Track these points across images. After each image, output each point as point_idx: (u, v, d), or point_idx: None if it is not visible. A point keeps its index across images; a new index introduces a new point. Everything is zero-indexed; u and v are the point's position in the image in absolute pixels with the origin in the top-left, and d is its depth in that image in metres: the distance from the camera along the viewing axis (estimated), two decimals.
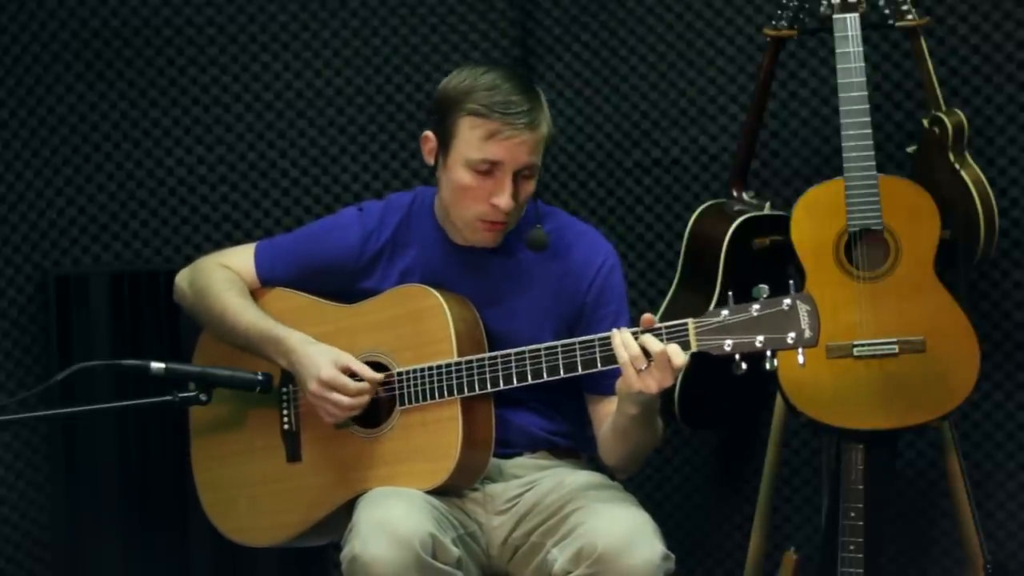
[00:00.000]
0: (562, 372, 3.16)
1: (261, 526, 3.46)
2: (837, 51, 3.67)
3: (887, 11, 3.80)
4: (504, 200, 3.23)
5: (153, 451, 4.18)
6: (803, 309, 3.01)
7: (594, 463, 3.43)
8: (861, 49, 3.66)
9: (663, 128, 4.24)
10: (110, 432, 4.18)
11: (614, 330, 3.09)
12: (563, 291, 3.34)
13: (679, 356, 3.02)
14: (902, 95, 4.14)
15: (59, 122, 4.23)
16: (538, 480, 3.33)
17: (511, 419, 3.32)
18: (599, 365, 3.13)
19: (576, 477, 3.32)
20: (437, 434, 3.24)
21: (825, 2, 3.70)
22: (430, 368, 3.25)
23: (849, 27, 3.66)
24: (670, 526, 3.84)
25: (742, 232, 3.87)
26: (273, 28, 4.26)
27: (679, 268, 4.03)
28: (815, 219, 3.71)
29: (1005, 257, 4.11)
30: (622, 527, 3.13)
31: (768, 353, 3.01)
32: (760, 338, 3.01)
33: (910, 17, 3.80)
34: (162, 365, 3.30)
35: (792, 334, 3.00)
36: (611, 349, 3.08)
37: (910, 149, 3.92)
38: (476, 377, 3.21)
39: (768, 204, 3.96)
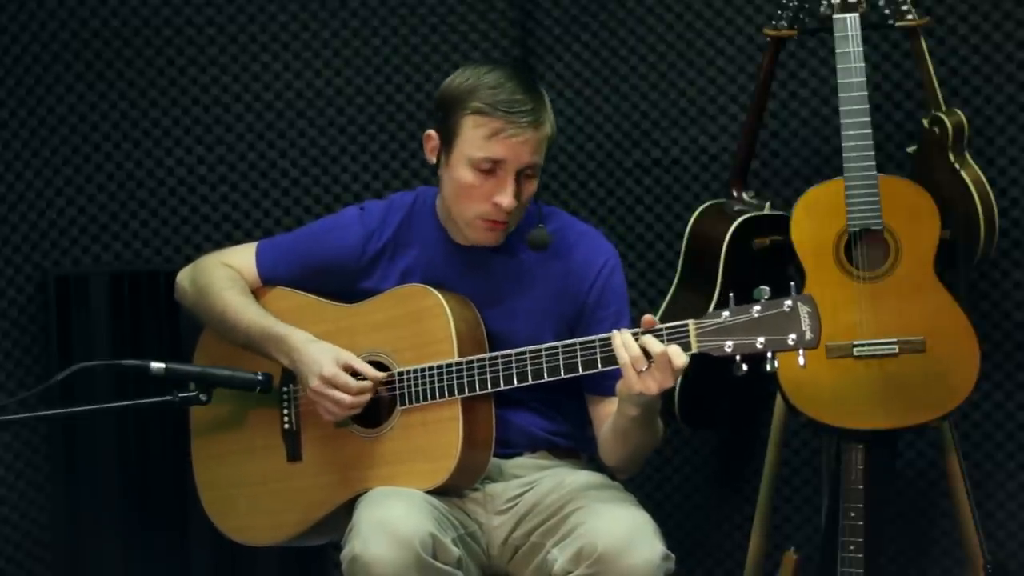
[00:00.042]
0: (562, 372, 3.16)
1: (261, 525, 3.46)
2: (837, 51, 3.67)
3: (887, 11, 3.80)
4: (506, 199, 3.23)
5: (153, 451, 4.18)
6: (804, 311, 3.01)
7: (594, 463, 3.43)
8: (861, 49, 3.66)
9: (663, 128, 4.24)
10: (110, 432, 4.18)
11: (614, 331, 3.09)
12: (564, 291, 3.34)
13: (680, 357, 3.01)
14: (902, 95, 4.14)
15: (59, 122, 4.23)
16: (538, 480, 3.33)
17: (511, 419, 3.32)
18: (600, 366, 3.13)
19: (576, 477, 3.32)
20: (437, 434, 3.24)
21: (825, 2, 3.70)
22: (431, 368, 3.25)
23: (849, 27, 3.66)
24: (670, 526, 3.85)
25: (742, 232, 3.87)
26: (273, 28, 4.26)
27: (679, 268, 4.03)
28: (815, 219, 3.71)
29: (1005, 257, 4.11)
30: (622, 527, 3.13)
31: (769, 354, 3.01)
32: (761, 339, 3.01)
33: (910, 17, 3.80)
34: (162, 365, 3.30)
35: (793, 336, 3.00)
36: (612, 350, 3.08)
37: (910, 149, 3.92)
38: (477, 377, 3.21)
39: (768, 204, 3.96)
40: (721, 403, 4.00)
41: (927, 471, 4.19)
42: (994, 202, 3.84)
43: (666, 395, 3.12)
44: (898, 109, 4.14)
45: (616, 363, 3.07)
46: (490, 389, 3.22)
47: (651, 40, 4.23)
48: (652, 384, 3.04)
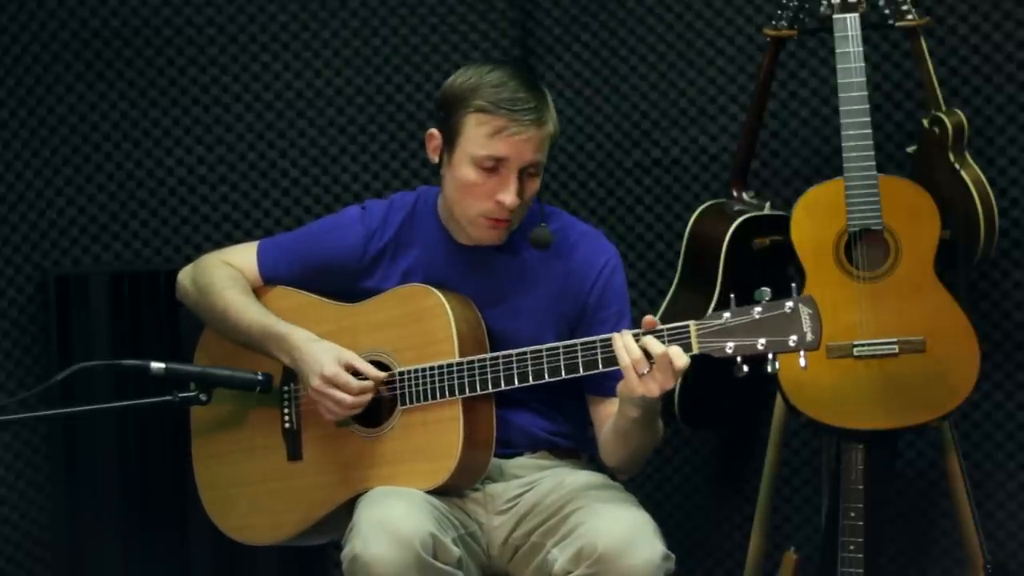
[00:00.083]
0: (563, 373, 3.16)
1: (261, 524, 3.46)
2: (837, 51, 3.67)
3: (887, 11, 3.80)
4: (509, 197, 3.23)
5: (153, 451, 4.18)
6: (805, 312, 3.01)
7: (594, 463, 3.43)
8: (861, 49, 3.66)
9: (663, 128, 4.24)
10: (110, 432, 4.18)
11: (615, 333, 3.09)
12: (566, 291, 3.34)
13: (681, 358, 3.01)
14: (902, 95, 4.14)
15: (59, 122, 4.23)
16: (538, 480, 3.33)
17: (512, 419, 3.32)
18: (600, 366, 3.13)
19: (576, 477, 3.32)
20: (438, 434, 3.24)
21: (825, 2, 3.70)
22: (431, 368, 3.25)
23: (849, 27, 3.67)
24: (670, 526, 3.85)
25: (742, 232, 3.87)
26: (273, 28, 4.26)
27: (679, 268, 4.03)
28: (815, 219, 3.71)
29: (1005, 257, 4.11)
30: (622, 527, 3.13)
31: (770, 356, 3.01)
32: (762, 341, 3.01)
33: (910, 17, 3.80)
34: (162, 365, 3.29)
35: (794, 337, 3.00)
36: (613, 350, 3.08)
37: (910, 149, 3.92)
38: (477, 377, 3.21)
39: (768, 204, 3.96)
40: (721, 404, 4.00)
41: (927, 471, 4.19)
42: (994, 202, 3.84)
43: (666, 395, 3.12)
44: (898, 109, 4.14)
45: (617, 363, 3.07)
46: (491, 389, 3.22)
47: (651, 40, 4.23)
48: (654, 386, 3.04)
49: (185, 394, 3.34)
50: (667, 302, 4.00)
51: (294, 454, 3.41)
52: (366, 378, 3.27)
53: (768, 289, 3.02)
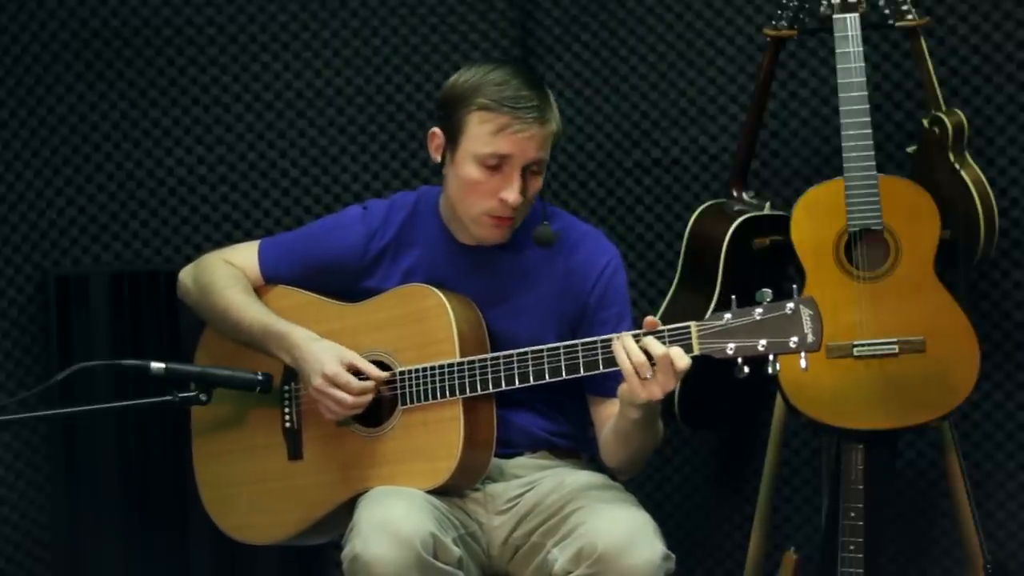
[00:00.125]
0: (564, 373, 3.16)
1: (262, 524, 3.46)
2: (837, 51, 3.67)
3: (887, 11, 3.80)
4: (512, 195, 3.23)
5: (153, 451, 4.18)
6: (806, 313, 3.00)
7: (595, 463, 3.43)
8: (861, 49, 3.66)
9: (663, 128, 4.24)
10: (110, 432, 4.18)
11: (615, 337, 3.08)
12: (567, 291, 3.34)
13: (682, 359, 3.01)
14: (902, 95, 4.14)
15: (59, 122, 4.23)
16: (539, 480, 3.33)
17: (512, 419, 3.32)
18: (601, 367, 3.13)
19: (577, 477, 3.32)
20: (438, 434, 3.24)
21: (825, 2, 3.70)
22: (432, 368, 3.25)
23: (849, 27, 3.67)
24: (670, 526, 3.84)
25: (742, 232, 3.87)
26: (273, 28, 4.26)
27: (679, 268, 4.03)
28: (815, 219, 3.71)
29: (1005, 257, 4.11)
30: (622, 527, 3.13)
31: (770, 357, 3.01)
32: (763, 342, 3.01)
33: (910, 17, 3.80)
34: (162, 365, 3.30)
35: (795, 338, 3.00)
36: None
37: (910, 149, 3.93)
38: (478, 377, 3.22)
39: (768, 204, 3.96)
40: (722, 404, 4.00)
41: (927, 471, 4.19)
42: (994, 202, 3.84)
43: (666, 396, 3.12)
44: (898, 109, 4.14)
45: (618, 364, 3.07)
46: (491, 389, 3.22)
47: (651, 40, 4.23)
48: (656, 389, 3.04)
49: (185, 394, 3.34)
50: (667, 302, 4.00)
51: (294, 453, 3.41)
52: (367, 378, 3.27)
53: (769, 290, 3.02)
